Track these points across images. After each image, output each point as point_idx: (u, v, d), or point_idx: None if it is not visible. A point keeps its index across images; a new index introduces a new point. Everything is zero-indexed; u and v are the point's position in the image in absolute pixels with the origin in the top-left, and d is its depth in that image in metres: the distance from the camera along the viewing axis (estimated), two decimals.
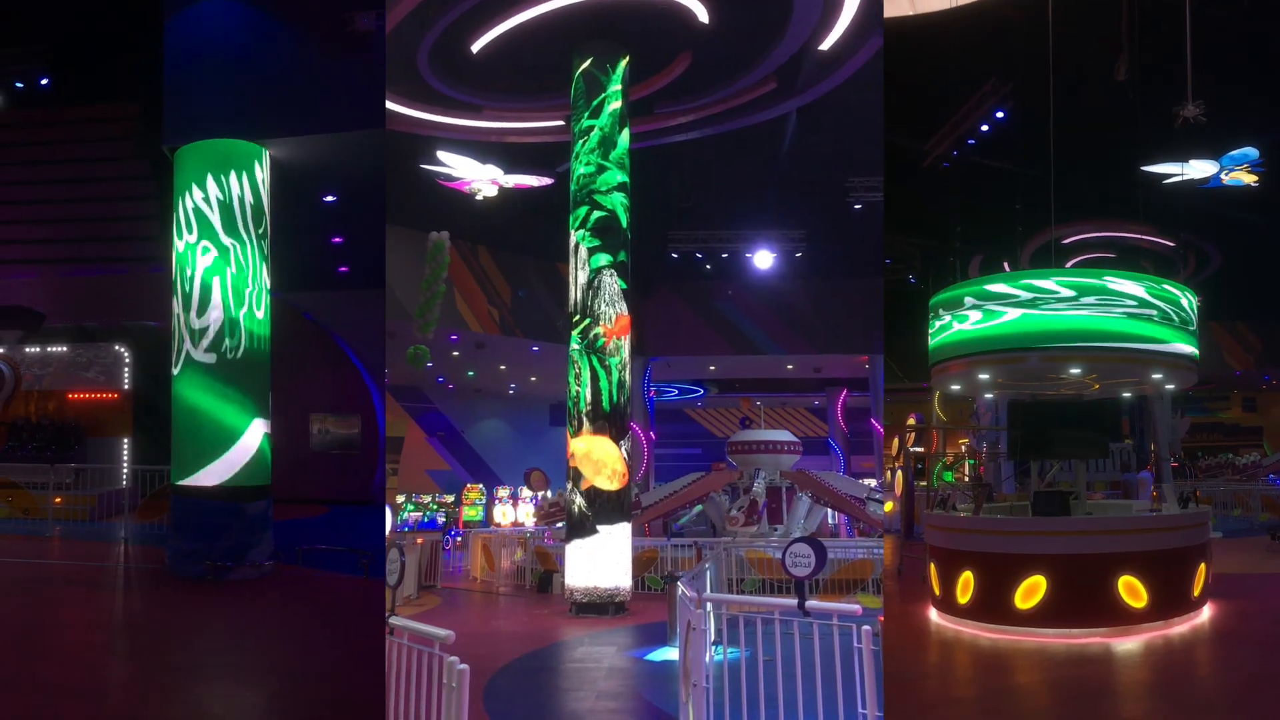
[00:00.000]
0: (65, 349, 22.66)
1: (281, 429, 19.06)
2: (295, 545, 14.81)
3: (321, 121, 13.94)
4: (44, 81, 18.96)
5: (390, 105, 16.48)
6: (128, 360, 22.53)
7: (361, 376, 24.66)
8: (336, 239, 19.60)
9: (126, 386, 22.44)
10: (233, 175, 13.77)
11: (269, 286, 14.23)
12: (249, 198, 13.86)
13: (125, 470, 19.38)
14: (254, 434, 13.81)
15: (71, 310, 22.28)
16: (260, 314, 14.00)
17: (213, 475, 13.53)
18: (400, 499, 26.62)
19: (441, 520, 26.55)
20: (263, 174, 14.11)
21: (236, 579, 13.27)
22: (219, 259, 13.58)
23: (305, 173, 15.03)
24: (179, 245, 13.77)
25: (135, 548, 15.58)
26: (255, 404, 13.91)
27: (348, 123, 13.82)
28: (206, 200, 13.58)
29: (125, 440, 22.18)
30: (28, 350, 22.79)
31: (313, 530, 18.09)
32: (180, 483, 13.70)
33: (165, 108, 14.22)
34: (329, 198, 16.86)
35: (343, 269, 21.71)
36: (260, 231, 13.99)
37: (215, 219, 13.64)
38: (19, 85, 19.05)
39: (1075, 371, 10.93)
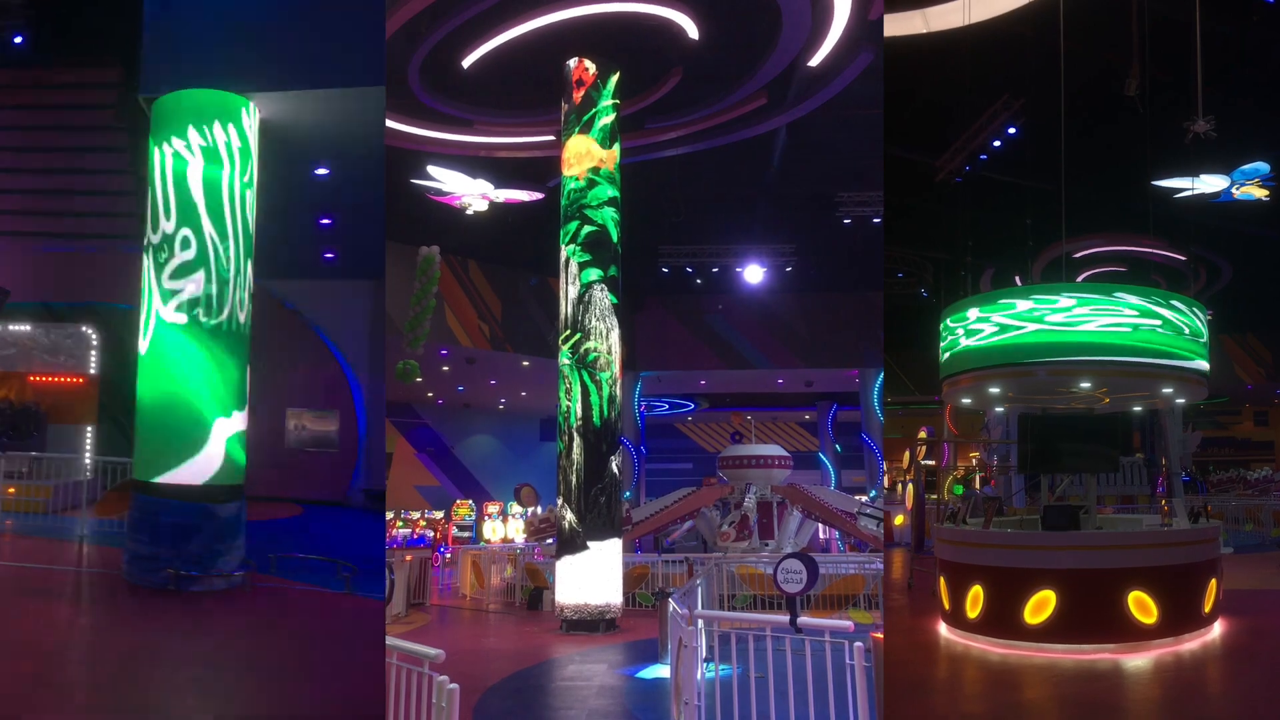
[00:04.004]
0: (28, 328, 21.57)
1: (255, 423, 18.60)
2: (267, 551, 13.54)
3: (318, 75, 12.79)
4: (18, 40, 17.61)
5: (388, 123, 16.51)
6: (95, 343, 21.50)
7: (343, 371, 24.10)
8: (325, 219, 18.43)
9: (93, 371, 21.51)
10: (218, 129, 12.59)
11: (252, 265, 13.12)
12: (237, 158, 12.67)
13: (88, 461, 18.09)
14: (233, 426, 12.66)
15: (38, 287, 21.30)
16: (245, 293, 12.88)
17: (185, 474, 12.28)
18: (389, 515, 26.86)
19: (430, 536, 26.83)
20: (252, 130, 13.00)
21: (201, 590, 12.00)
22: (198, 234, 12.44)
23: (297, 138, 13.78)
24: (148, 210, 12.71)
25: (92, 548, 14.64)
26: (235, 390, 12.75)
27: (347, 78, 12.66)
28: (188, 149, 12.47)
29: (89, 429, 21.28)
30: None
31: (286, 534, 17.22)
32: (143, 479, 12.44)
33: (144, 52, 13.04)
34: (321, 170, 15.76)
35: (329, 255, 20.78)
36: (245, 203, 12.87)
37: (197, 183, 12.46)
38: None
39: (1085, 385, 11.17)
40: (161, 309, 12.42)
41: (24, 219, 20.83)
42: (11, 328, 21.56)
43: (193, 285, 12.38)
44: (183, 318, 12.38)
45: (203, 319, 12.42)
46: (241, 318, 12.83)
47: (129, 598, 11.85)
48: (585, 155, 15.39)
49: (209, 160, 12.54)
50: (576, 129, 15.51)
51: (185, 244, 12.43)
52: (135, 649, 9.85)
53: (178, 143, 12.52)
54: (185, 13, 12.98)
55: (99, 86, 18.95)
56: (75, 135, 19.49)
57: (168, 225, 12.52)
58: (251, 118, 13.01)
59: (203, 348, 12.44)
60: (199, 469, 12.38)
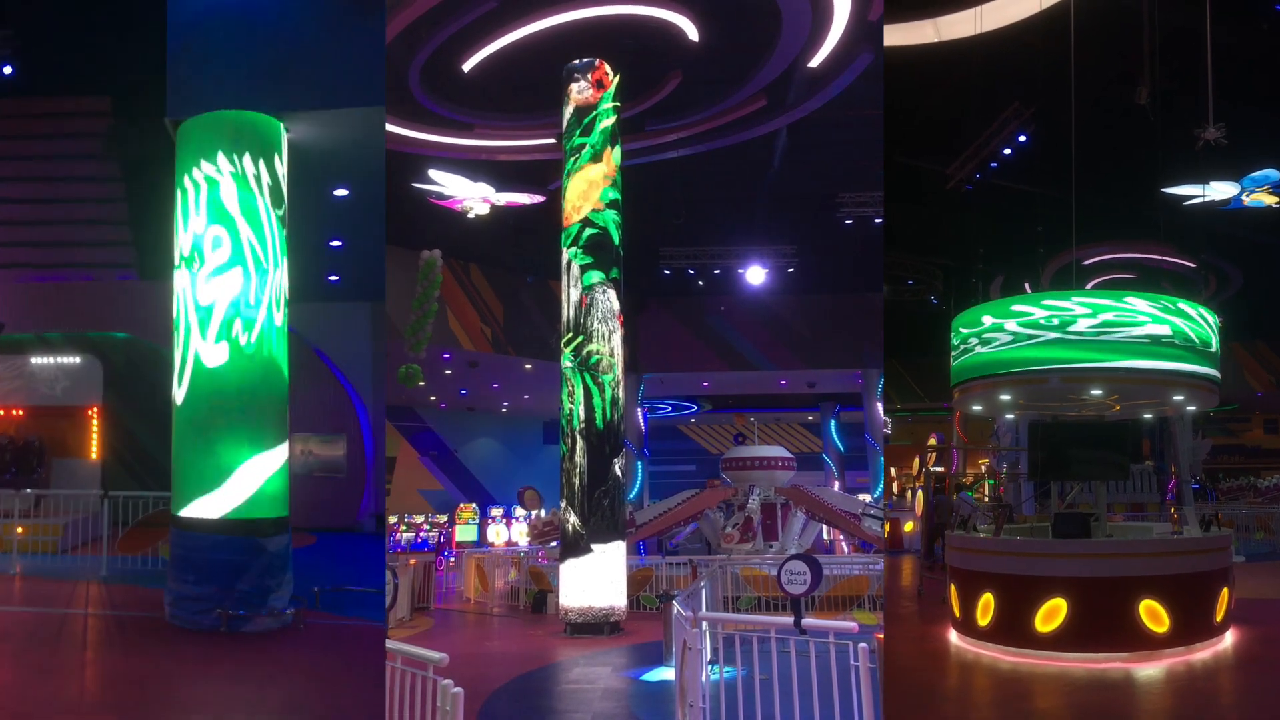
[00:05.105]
0: (26, 361, 21.17)
1: None
2: (305, 584, 12.59)
3: (341, 94, 12.46)
4: (7, 70, 17.44)
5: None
6: (95, 375, 21.19)
7: (348, 395, 23.73)
8: (335, 241, 18.28)
9: (94, 403, 21.03)
10: (250, 152, 12.09)
11: (287, 292, 12.74)
12: (267, 180, 12.21)
13: (98, 495, 17.04)
14: (279, 455, 12.25)
15: (34, 319, 20.76)
16: (280, 319, 12.46)
17: (225, 502, 11.65)
18: (392, 520, 26.96)
19: (434, 540, 26.94)
20: (282, 155, 12.59)
21: (254, 630, 11.34)
22: (235, 250, 11.92)
23: (319, 159, 13.65)
24: (183, 236, 12.14)
25: (119, 588, 13.76)
26: (278, 418, 12.37)
27: (370, 96, 12.46)
28: (218, 171, 11.99)
29: (94, 462, 20.77)
30: None
31: (311, 564, 16.21)
32: (184, 514, 11.78)
33: (169, 74, 12.65)
34: (340, 191, 15.46)
35: (333, 278, 20.67)
36: (280, 223, 12.41)
37: (232, 202, 11.94)
38: None
39: (1096, 393, 11.28)
40: (200, 341, 11.88)
41: (15, 250, 20.51)
42: (8, 361, 21.12)
43: (230, 313, 11.88)
44: (223, 351, 11.85)
45: (243, 349, 11.91)
46: (277, 345, 12.39)
47: (180, 643, 11.10)
48: (589, 189, 15.49)
49: (241, 185, 12.04)
50: (577, 132, 15.61)
51: (221, 267, 11.96)
52: (224, 701, 9.18)
53: (208, 166, 12.05)
54: (211, 35, 12.59)
55: (88, 115, 18.98)
56: (65, 164, 19.43)
57: (200, 246, 12.01)
58: (283, 142, 12.66)
59: (242, 377, 11.91)
60: (242, 501, 11.81)
